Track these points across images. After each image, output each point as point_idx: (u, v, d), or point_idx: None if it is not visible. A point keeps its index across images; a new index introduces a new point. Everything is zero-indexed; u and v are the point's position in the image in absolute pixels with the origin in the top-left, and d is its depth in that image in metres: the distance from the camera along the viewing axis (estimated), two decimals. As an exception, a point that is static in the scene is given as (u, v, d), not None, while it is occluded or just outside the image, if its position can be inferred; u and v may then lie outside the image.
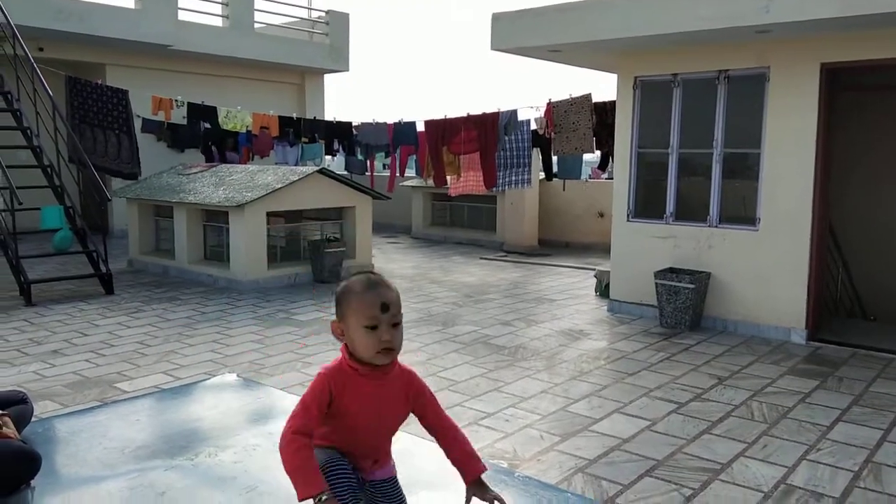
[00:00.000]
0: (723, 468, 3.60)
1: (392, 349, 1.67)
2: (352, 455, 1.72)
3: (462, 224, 13.52)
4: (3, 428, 2.07)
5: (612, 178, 8.57)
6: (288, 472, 1.60)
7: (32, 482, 2.03)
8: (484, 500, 1.67)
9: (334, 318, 1.75)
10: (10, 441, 2.04)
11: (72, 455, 2.28)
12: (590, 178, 12.91)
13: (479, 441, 3.88)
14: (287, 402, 2.83)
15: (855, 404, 4.55)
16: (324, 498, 1.55)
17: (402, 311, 1.74)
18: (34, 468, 2.01)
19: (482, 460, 1.69)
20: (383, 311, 1.66)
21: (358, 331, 1.66)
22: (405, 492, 2.06)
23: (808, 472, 3.55)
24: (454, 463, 1.72)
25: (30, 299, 7.38)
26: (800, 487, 3.39)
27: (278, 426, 2.53)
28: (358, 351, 1.68)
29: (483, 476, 1.75)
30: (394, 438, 2.41)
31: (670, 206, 6.82)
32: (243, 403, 2.80)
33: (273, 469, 2.19)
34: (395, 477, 1.75)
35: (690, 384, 4.94)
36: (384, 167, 13.60)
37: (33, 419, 2.46)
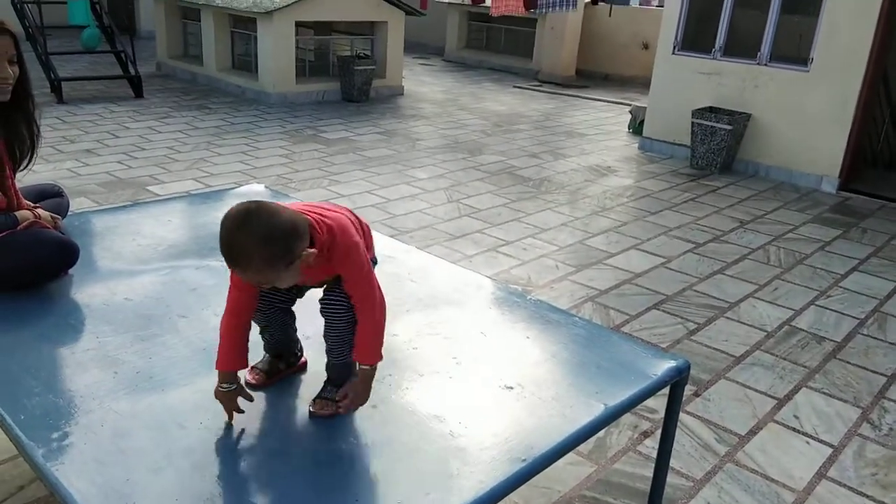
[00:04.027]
0: (730, 307, 3.71)
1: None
2: None
3: (498, 49, 12.95)
4: (41, 219, 2.17)
5: (662, 6, 8.03)
6: (381, 336, 1.63)
7: (70, 271, 2.16)
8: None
9: None
10: (50, 230, 2.15)
11: (107, 248, 2.40)
12: (639, 4, 12.11)
13: (496, 267, 4.01)
14: (312, 215, 2.90)
15: (874, 255, 4.57)
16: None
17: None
18: (73, 258, 2.13)
19: (369, 356, 1.60)
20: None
21: None
22: (424, 306, 2.17)
23: (813, 317, 3.65)
24: None
25: (61, 97, 7.41)
26: (803, 330, 3.50)
27: (303, 236, 2.63)
28: None
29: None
30: (412, 255, 2.53)
31: (721, 39, 6.43)
32: (269, 213, 2.88)
33: (297, 275, 2.30)
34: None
35: (711, 226, 4.95)
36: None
37: (69, 213, 2.56)
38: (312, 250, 1.46)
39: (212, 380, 1.69)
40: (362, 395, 1.62)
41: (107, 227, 2.58)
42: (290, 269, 1.46)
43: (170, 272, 2.25)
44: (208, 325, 1.93)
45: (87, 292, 2.08)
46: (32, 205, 2.24)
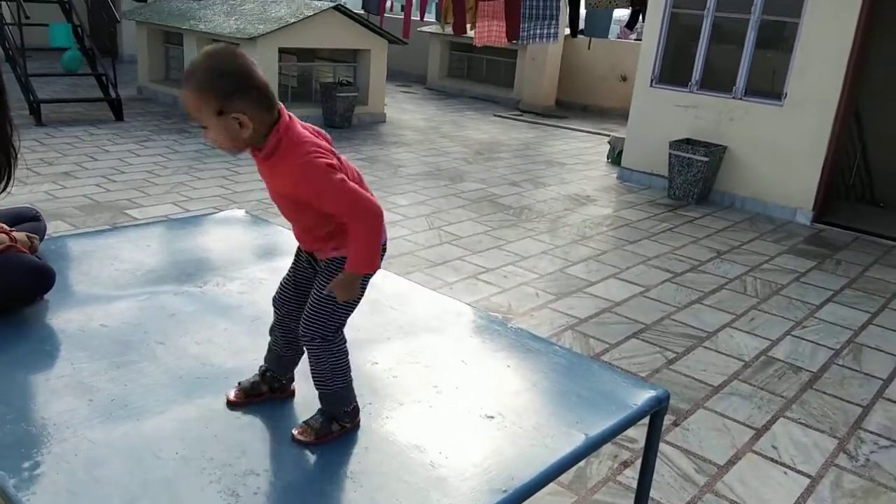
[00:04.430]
0: (708, 336, 3.74)
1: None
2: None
3: (479, 78, 13.10)
4: (18, 243, 2.14)
5: (639, 40, 8.21)
6: (372, 244, 1.52)
7: (46, 296, 2.12)
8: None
9: None
10: (26, 255, 2.12)
11: (84, 273, 2.37)
12: (617, 37, 12.34)
13: (477, 294, 4.01)
14: (293, 243, 2.89)
15: (848, 287, 4.64)
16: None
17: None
18: (49, 283, 2.10)
19: (356, 264, 1.52)
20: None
21: None
22: (405, 334, 2.16)
23: (790, 347, 3.69)
24: None
25: (40, 119, 7.35)
26: (780, 360, 3.54)
27: (284, 263, 2.61)
28: None
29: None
30: (392, 282, 2.53)
31: (697, 73, 6.57)
32: (251, 239, 2.87)
33: (277, 302, 2.28)
34: (334, 258, 1.58)
35: (689, 255, 5.01)
36: (402, 9, 12.97)
37: (46, 237, 2.53)
38: (247, 122, 1.44)
39: (189, 408, 1.66)
40: (343, 292, 1.53)
41: (84, 252, 2.55)
42: (220, 122, 1.44)
43: (148, 298, 2.22)
44: (186, 353, 1.91)
45: (62, 318, 2.05)
46: (8, 228, 2.21)
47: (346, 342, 1.62)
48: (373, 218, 1.50)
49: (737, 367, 3.42)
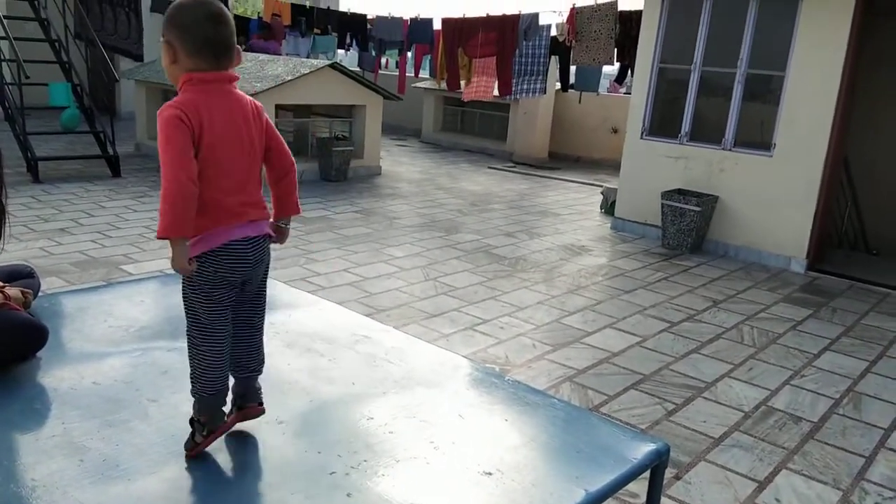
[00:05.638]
0: (707, 387, 3.71)
1: None
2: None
3: (473, 131, 13.32)
4: (12, 300, 2.13)
5: (629, 93, 8.37)
6: (168, 204, 1.51)
7: (39, 354, 2.10)
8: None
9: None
10: (19, 313, 2.10)
11: (77, 330, 2.35)
12: (607, 91, 12.60)
13: (473, 346, 3.99)
14: (288, 296, 2.88)
15: (845, 335, 4.63)
16: (187, 244, 1.55)
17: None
18: (41, 340, 2.08)
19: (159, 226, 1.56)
20: None
21: None
22: (401, 388, 2.14)
23: (789, 397, 3.66)
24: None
25: (37, 176, 7.40)
26: (780, 410, 3.50)
27: (280, 318, 2.60)
28: None
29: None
30: (388, 335, 2.51)
31: (686, 125, 6.69)
32: (245, 293, 2.85)
33: (272, 356, 2.26)
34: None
35: (685, 305, 5.01)
36: (396, 66, 13.25)
37: (40, 294, 2.52)
38: (171, 53, 1.59)
39: (181, 468, 1.63)
40: (172, 262, 1.56)
41: (78, 308, 2.53)
42: (161, 46, 1.61)
43: (141, 354, 2.20)
44: (179, 410, 1.88)
45: (54, 375, 2.02)
46: (2, 285, 2.20)
47: (211, 351, 1.66)
48: (170, 185, 1.51)
49: (737, 418, 3.38)
